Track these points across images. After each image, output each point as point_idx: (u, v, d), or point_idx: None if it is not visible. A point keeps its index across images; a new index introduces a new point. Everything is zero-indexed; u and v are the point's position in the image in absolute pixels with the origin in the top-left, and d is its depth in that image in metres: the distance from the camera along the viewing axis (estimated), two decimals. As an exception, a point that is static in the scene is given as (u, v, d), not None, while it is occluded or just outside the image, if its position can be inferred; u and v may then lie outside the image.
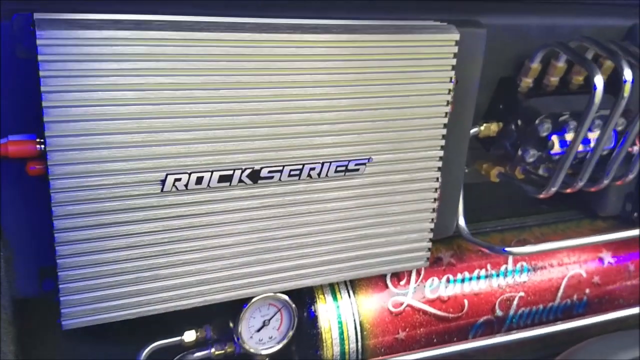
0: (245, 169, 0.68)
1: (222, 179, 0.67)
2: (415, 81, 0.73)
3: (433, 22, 0.75)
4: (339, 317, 0.85)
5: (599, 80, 0.80)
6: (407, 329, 0.89)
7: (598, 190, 1.00)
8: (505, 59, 0.89)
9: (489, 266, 0.95)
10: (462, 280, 0.93)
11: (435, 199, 0.81)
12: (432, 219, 0.82)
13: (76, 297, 0.66)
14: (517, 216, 1.06)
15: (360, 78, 0.70)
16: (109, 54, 0.59)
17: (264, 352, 0.83)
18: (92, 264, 0.65)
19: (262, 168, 0.69)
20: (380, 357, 0.86)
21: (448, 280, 0.92)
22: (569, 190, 0.91)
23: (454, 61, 0.74)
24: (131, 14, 0.62)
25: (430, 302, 0.91)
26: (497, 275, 0.95)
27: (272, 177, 0.70)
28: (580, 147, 0.88)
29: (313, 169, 0.72)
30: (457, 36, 0.73)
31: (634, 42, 0.91)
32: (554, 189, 0.89)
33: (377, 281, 0.89)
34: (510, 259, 0.96)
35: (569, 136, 0.90)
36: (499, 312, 0.94)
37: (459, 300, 0.92)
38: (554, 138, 0.89)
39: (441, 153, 0.78)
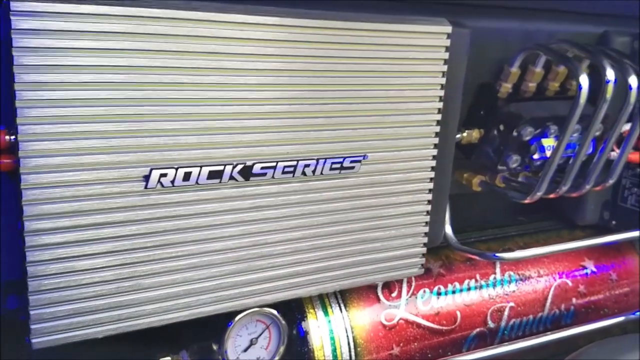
0: (237, 164, 0.61)
1: (211, 174, 0.60)
2: (409, 74, 0.69)
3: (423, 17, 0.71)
4: (331, 333, 0.78)
5: (584, 80, 0.78)
6: (401, 344, 0.82)
7: (578, 198, 0.98)
8: (484, 65, 0.86)
9: (478, 276, 0.90)
10: (453, 292, 0.87)
11: (429, 201, 0.76)
12: (426, 222, 0.77)
13: (48, 310, 0.56)
14: (497, 227, 1.02)
15: (354, 68, 0.65)
16: (90, 31, 0.52)
17: (252, 374, 0.74)
18: (67, 272, 0.56)
19: (254, 164, 0.62)
20: (376, 374, 0.78)
21: (439, 292, 0.86)
22: (552, 196, 0.88)
23: (446, 55, 0.70)
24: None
25: (423, 315, 0.84)
26: (487, 286, 0.90)
27: (265, 174, 0.63)
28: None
29: (308, 165, 0.65)
30: (449, 29, 0.69)
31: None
32: (539, 194, 0.85)
33: (369, 294, 0.82)
34: (498, 269, 0.92)
35: (549, 141, 0.87)
36: (491, 324, 0.89)
37: (451, 312, 0.86)
38: (537, 142, 0.86)
39: (435, 152, 0.74)
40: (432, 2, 0.79)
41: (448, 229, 0.88)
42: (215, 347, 0.74)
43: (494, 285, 0.90)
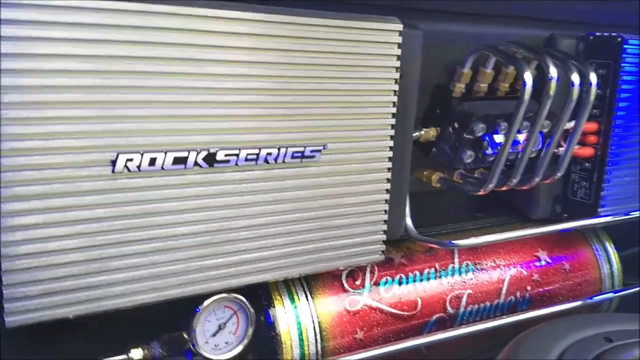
0: (201, 150, 0.63)
1: (176, 160, 0.61)
2: (364, 69, 0.71)
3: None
4: (297, 318, 0.79)
5: (528, 77, 0.81)
6: (364, 329, 0.83)
7: (531, 193, 1.01)
8: (439, 67, 0.89)
9: (437, 265, 0.92)
10: (414, 280, 0.89)
11: (387, 190, 0.78)
12: (386, 211, 0.78)
13: (20, 290, 0.56)
14: (457, 222, 1.04)
15: (312, 62, 0.67)
16: (60, 22, 0.53)
17: (220, 359, 0.74)
18: (38, 252, 0.57)
19: (218, 151, 0.63)
20: (339, 356, 0.79)
21: (401, 280, 0.88)
22: (504, 188, 0.90)
23: (398, 51, 0.73)
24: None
25: (386, 302, 0.85)
26: (446, 274, 0.92)
27: (228, 161, 0.64)
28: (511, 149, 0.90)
29: (270, 154, 0.67)
30: (400, 26, 0.72)
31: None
32: (491, 186, 0.88)
33: (333, 282, 0.83)
34: (457, 259, 0.94)
35: (500, 137, 0.90)
36: (450, 310, 0.90)
37: (412, 299, 0.88)
38: (488, 138, 0.89)
39: (391, 143, 0.76)
40: (388, 7, 0.82)
41: (409, 222, 0.90)
42: (185, 336, 0.75)
43: (453, 274, 0.92)
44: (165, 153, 0.61)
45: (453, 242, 0.86)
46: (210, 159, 0.63)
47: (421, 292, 0.89)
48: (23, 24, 0.52)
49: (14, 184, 0.54)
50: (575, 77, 0.83)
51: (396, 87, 0.74)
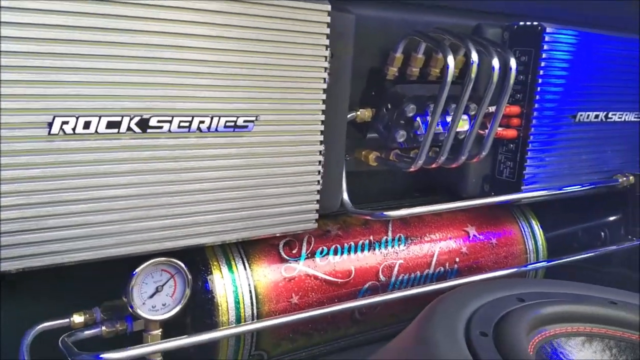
0: (134, 116, 0.64)
1: (110, 125, 0.63)
2: (295, 46, 0.73)
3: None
4: (233, 282, 0.80)
5: (450, 60, 0.85)
6: (300, 294, 0.85)
7: (461, 173, 1.05)
8: (373, 52, 0.92)
9: (372, 237, 0.95)
10: (349, 250, 0.92)
11: (320, 162, 0.80)
12: (318, 181, 0.81)
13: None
14: (394, 200, 1.07)
15: (245, 36, 0.69)
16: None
17: (157, 319, 0.75)
18: (-27, 209, 0.58)
19: (151, 117, 0.65)
20: (274, 317, 0.81)
21: (336, 251, 0.91)
22: (433, 165, 0.94)
23: (327, 30, 0.75)
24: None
25: (321, 269, 0.88)
26: (380, 246, 0.95)
27: (161, 127, 0.66)
28: (441, 130, 0.93)
29: (202, 122, 0.69)
30: (328, 7, 0.74)
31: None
32: (420, 162, 0.91)
33: (271, 250, 0.85)
34: (390, 231, 0.97)
35: (430, 118, 0.94)
36: (382, 278, 0.93)
37: (346, 268, 0.90)
38: (419, 119, 0.93)
39: (323, 117, 0.78)
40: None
41: (345, 197, 0.92)
42: (124, 299, 0.76)
43: (386, 246, 0.95)
44: (99, 117, 0.62)
45: (384, 213, 0.89)
46: (143, 125, 0.65)
47: (355, 262, 0.92)
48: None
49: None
50: (495, 62, 0.87)
51: (326, 65, 0.77)
